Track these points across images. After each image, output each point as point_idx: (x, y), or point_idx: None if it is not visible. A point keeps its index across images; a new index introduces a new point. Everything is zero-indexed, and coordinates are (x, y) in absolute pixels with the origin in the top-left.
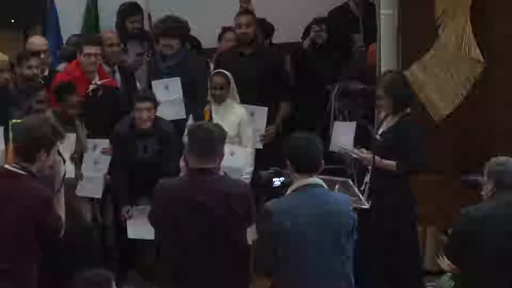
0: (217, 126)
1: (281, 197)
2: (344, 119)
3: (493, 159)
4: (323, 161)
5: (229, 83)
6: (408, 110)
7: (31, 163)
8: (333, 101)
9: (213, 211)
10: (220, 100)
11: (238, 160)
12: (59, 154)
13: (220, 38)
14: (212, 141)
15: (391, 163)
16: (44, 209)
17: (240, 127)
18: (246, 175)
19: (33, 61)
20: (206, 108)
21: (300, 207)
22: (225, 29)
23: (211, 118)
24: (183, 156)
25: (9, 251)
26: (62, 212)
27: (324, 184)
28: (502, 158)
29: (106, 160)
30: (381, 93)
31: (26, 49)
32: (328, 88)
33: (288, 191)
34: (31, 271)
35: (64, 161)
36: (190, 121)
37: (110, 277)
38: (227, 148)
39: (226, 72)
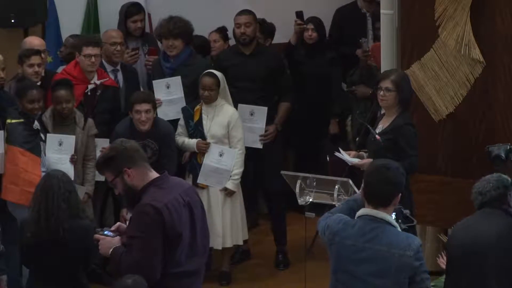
0: None
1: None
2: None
3: None
4: (397, 195)
5: (218, 84)
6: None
7: None
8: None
9: None
10: (208, 101)
11: (227, 161)
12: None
13: None
14: None
15: None
16: None
17: (230, 128)
18: (234, 176)
19: (34, 59)
20: (197, 107)
21: (349, 236)
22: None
23: (200, 118)
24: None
25: None
26: None
27: (390, 220)
28: None
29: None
30: (390, 86)
31: (22, 48)
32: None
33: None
34: None
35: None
36: (182, 120)
37: (145, 284)
38: (216, 149)
39: (216, 72)
